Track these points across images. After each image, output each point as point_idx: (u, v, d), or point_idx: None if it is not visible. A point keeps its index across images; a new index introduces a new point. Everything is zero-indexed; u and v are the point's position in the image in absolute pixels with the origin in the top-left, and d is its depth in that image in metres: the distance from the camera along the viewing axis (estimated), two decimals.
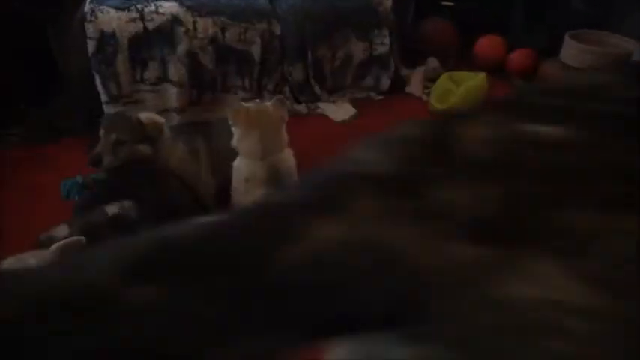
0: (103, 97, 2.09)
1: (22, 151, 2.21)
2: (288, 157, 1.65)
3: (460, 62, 3.04)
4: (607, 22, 2.88)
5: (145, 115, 1.69)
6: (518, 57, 2.97)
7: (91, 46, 2.04)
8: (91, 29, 2.03)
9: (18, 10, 2.36)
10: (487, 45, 3.06)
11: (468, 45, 3.11)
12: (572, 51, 2.73)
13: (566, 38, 2.76)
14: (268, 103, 1.63)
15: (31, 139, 2.30)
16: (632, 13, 2.77)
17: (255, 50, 2.38)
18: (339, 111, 2.59)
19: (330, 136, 2.40)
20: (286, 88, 2.60)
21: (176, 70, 2.18)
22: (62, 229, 1.26)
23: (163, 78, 2.20)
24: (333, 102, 2.66)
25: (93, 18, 2.03)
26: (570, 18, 2.96)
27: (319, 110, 2.60)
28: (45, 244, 1.17)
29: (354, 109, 2.62)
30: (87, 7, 2.06)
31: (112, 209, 1.33)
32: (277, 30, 2.45)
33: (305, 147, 2.30)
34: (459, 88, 2.62)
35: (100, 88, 2.08)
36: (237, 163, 1.61)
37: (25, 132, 2.34)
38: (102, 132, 1.63)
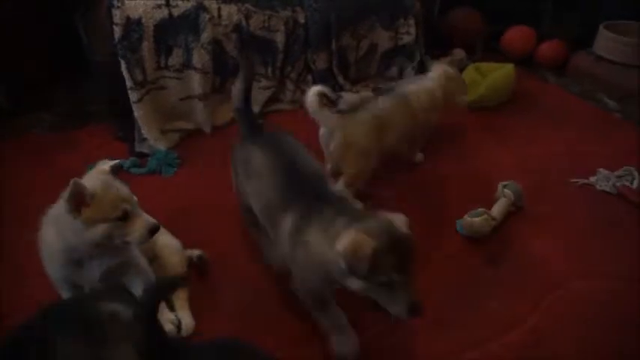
0: (128, 83, 2.09)
1: (51, 136, 2.25)
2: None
3: (487, 53, 2.98)
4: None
5: None
6: (548, 48, 2.89)
7: (117, 32, 2.05)
8: (117, 15, 2.04)
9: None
10: (516, 36, 2.98)
11: (496, 36, 3.03)
12: (606, 42, 2.63)
13: (601, 29, 2.67)
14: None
15: (59, 124, 2.35)
16: None
17: (279, 38, 2.37)
18: None
19: None
20: (309, 77, 2.58)
21: (200, 57, 2.18)
22: None
23: (187, 65, 2.20)
24: (357, 92, 2.63)
25: (120, 4, 2.04)
26: (604, 8, 2.85)
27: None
28: None
29: None
30: None
31: None
32: (301, 18, 2.42)
33: None
34: (485, 79, 2.56)
35: (125, 74, 2.08)
36: None
37: (53, 117, 2.39)
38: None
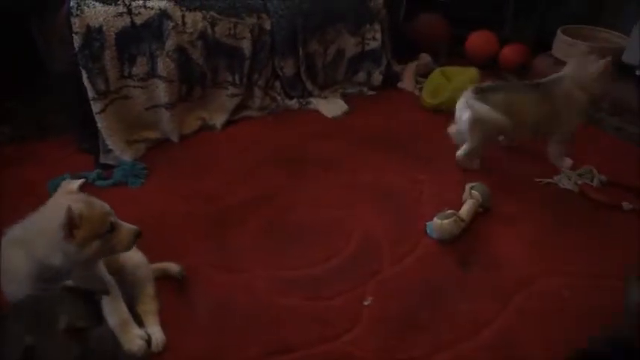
0: (90, 94, 2.03)
1: (10, 149, 2.17)
2: None
3: (452, 58, 3.04)
4: (599, 17, 2.88)
5: None
6: (510, 52, 2.97)
7: (77, 41, 1.99)
8: (77, 24, 1.98)
9: (1, 5, 2.31)
10: (478, 40, 3.05)
11: (461, 40, 3.10)
12: (564, 46, 2.73)
13: (559, 33, 2.76)
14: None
15: (18, 136, 2.26)
16: (623, 9, 2.78)
17: (246, 45, 2.35)
18: (331, 106, 2.57)
19: (321, 131, 2.39)
20: (277, 84, 2.57)
21: (165, 66, 2.14)
22: None
23: (152, 73, 2.15)
24: (325, 97, 2.64)
25: (79, 12, 1.98)
26: (561, 13, 2.96)
27: (311, 106, 2.57)
28: None
29: (345, 105, 2.60)
30: (72, 2, 2.00)
31: None
32: (268, 25, 2.41)
33: (297, 143, 2.28)
34: (450, 83, 2.61)
35: (86, 84, 2.02)
36: None
37: (12, 130, 2.30)
38: None
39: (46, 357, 0.83)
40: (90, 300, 0.99)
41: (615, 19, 2.80)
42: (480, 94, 1.95)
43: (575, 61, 2.03)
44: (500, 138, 2.15)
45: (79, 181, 1.24)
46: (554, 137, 2.08)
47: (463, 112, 1.98)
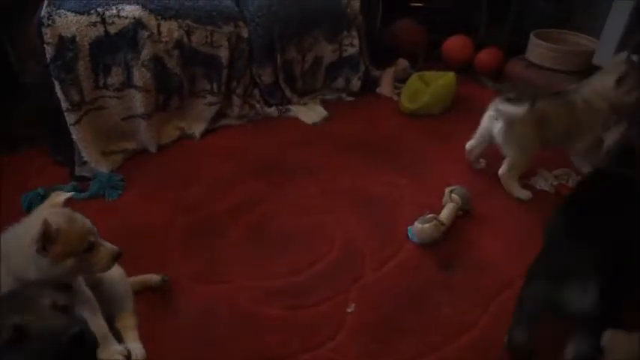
0: (64, 105, 1.99)
1: None
2: None
3: (429, 62, 3.07)
4: (570, 21, 2.95)
5: None
6: (485, 56, 3.01)
7: (49, 51, 1.95)
8: (48, 34, 1.94)
9: None
10: (454, 45, 3.10)
11: (437, 45, 3.14)
12: (536, 49, 2.78)
13: (532, 37, 2.82)
14: None
15: None
16: (592, 12, 2.85)
17: (223, 53, 2.34)
18: (310, 113, 2.57)
19: (301, 138, 2.39)
20: (256, 92, 2.57)
21: (141, 75, 2.11)
22: None
23: (128, 83, 2.12)
24: (304, 104, 2.64)
25: (50, 22, 1.94)
26: (534, 17, 3.03)
27: (291, 113, 2.57)
28: None
29: (325, 111, 2.60)
30: (43, 11, 1.97)
31: None
32: (245, 33, 2.41)
33: (277, 150, 2.27)
34: (428, 87, 2.64)
35: (60, 95, 1.98)
36: None
37: None
38: None
39: (39, 331, 0.92)
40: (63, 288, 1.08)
41: (585, 22, 2.87)
42: (509, 101, 1.87)
43: (602, 70, 1.95)
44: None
45: (67, 195, 1.21)
46: (577, 147, 1.99)
47: (494, 124, 1.92)
